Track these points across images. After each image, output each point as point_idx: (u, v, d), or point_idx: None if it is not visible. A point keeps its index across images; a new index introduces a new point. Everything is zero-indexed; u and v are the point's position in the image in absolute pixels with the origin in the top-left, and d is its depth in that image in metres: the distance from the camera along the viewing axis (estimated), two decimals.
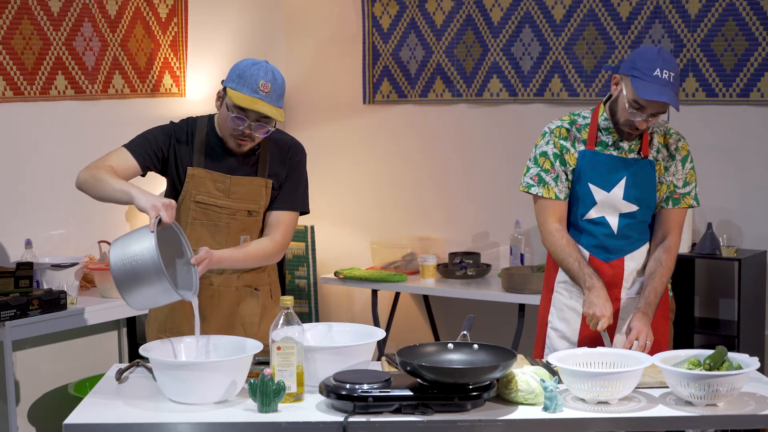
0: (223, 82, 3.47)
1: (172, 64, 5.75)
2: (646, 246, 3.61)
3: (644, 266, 3.60)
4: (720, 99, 5.24)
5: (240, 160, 3.55)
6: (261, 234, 3.62)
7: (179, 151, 3.55)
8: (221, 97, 3.47)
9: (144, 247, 3.11)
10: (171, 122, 3.62)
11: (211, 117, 3.59)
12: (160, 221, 3.15)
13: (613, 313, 3.56)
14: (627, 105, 3.39)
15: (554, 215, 3.56)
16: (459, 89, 5.97)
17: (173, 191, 3.60)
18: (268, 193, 3.57)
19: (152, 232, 3.11)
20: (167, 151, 3.54)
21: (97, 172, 3.39)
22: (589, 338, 3.54)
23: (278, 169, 3.59)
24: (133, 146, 3.52)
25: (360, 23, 6.26)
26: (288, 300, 2.99)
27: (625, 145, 3.53)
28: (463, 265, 5.70)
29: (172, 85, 5.75)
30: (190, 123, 3.60)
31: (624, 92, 3.41)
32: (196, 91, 5.88)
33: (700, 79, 5.25)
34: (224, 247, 3.54)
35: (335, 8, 6.38)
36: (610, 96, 3.53)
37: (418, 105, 6.17)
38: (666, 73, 3.34)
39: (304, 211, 3.67)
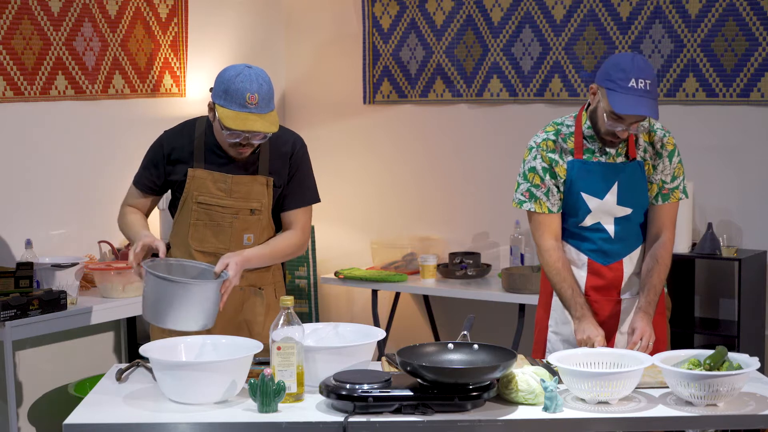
0: (211, 91, 3.47)
1: (172, 64, 5.75)
2: (642, 246, 3.61)
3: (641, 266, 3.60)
4: (720, 99, 5.23)
5: (239, 158, 3.56)
6: (264, 233, 3.63)
7: (176, 157, 3.57)
8: (212, 108, 3.48)
9: (151, 279, 3.27)
10: (165, 132, 3.65)
11: (209, 117, 3.59)
12: (155, 255, 3.38)
13: (614, 315, 3.58)
14: (605, 117, 3.38)
15: (549, 231, 3.55)
16: (459, 89, 5.97)
17: (175, 194, 3.63)
18: (270, 191, 3.58)
19: (138, 264, 3.36)
20: (163, 167, 3.59)
21: (121, 215, 3.68)
22: None
23: (279, 166, 3.59)
24: (137, 181, 3.68)
25: (360, 23, 6.26)
26: (288, 300, 2.99)
27: (611, 150, 3.50)
28: (463, 265, 5.69)
29: (172, 85, 5.75)
30: (187, 125, 3.62)
31: (601, 103, 3.39)
32: (196, 91, 5.88)
33: (700, 79, 5.25)
34: (228, 246, 3.56)
35: (335, 8, 6.38)
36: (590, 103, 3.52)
37: (418, 105, 6.16)
38: (642, 83, 3.30)
39: (317, 201, 3.70)
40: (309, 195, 3.66)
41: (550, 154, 3.52)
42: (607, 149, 3.50)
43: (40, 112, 5.11)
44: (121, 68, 5.47)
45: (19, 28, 4.96)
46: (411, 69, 6.12)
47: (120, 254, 5.27)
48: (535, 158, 3.53)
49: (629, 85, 3.30)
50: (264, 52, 6.32)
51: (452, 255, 5.82)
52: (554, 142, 3.53)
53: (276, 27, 6.46)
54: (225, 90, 3.38)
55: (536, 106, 5.76)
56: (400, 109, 6.23)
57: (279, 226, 3.70)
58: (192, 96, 5.86)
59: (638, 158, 3.52)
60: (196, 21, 5.87)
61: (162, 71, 5.69)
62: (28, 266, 4.58)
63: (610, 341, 3.55)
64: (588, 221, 3.55)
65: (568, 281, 3.51)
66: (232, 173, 3.55)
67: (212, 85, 3.47)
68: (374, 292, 5.83)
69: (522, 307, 5.34)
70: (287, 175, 3.60)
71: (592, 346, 3.39)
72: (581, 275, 3.59)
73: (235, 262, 3.39)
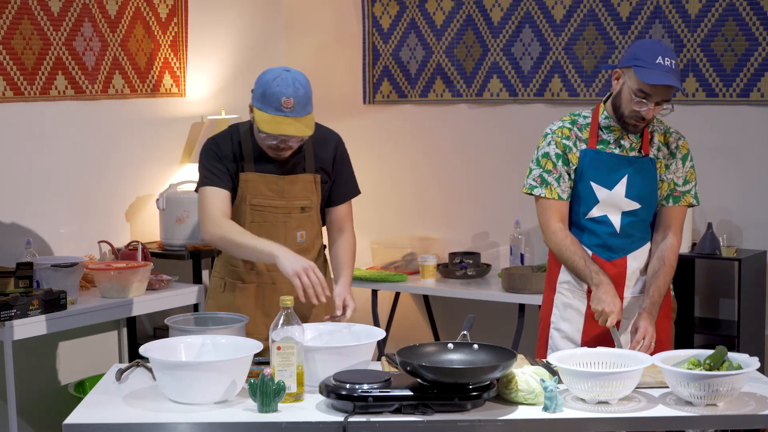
0: (252, 92, 3.52)
1: (172, 64, 5.75)
2: (648, 245, 3.62)
3: (647, 265, 3.60)
4: (720, 99, 5.23)
5: (287, 159, 3.63)
6: (314, 228, 3.75)
7: (228, 163, 3.61)
8: (252, 110, 3.54)
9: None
10: (212, 139, 3.67)
11: (251, 122, 3.64)
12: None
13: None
14: (632, 95, 3.41)
15: (556, 215, 3.56)
16: (459, 89, 5.97)
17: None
18: (318, 188, 3.69)
19: (303, 301, 3.36)
20: (225, 163, 3.62)
21: (226, 232, 3.51)
22: (593, 338, 3.54)
23: (324, 163, 3.71)
24: (214, 181, 3.59)
25: (360, 23, 6.26)
26: (288, 300, 3.00)
27: (626, 143, 3.54)
28: (463, 265, 5.69)
29: (172, 85, 5.75)
30: (231, 131, 3.67)
31: (628, 83, 3.43)
32: (196, 91, 5.88)
33: (700, 79, 5.25)
34: (283, 245, 3.62)
35: (335, 8, 6.38)
36: (611, 94, 3.54)
37: (418, 105, 6.16)
38: (668, 60, 3.38)
39: (359, 193, 3.87)
40: (352, 188, 3.83)
41: (564, 141, 3.55)
42: (622, 142, 3.52)
43: (40, 112, 5.11)
44: (121, 68, 5.47)
45: (19, 28, 4.96)
46: (411, 69, 6.12)
47: (120, 254, 5.27)
48: (549, 144, 3.56)
49: (656, 62, 3.37)
50: (264, 52, 6.32)
51: (452, 255, 5.82)
52: (570, 129, 3.57)
53: (276, 27, 6.46)
54: (262, 93, 3.46)
55: (536, 106, 5.76)
56: (400, 109, 6.23)
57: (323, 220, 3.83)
58: (192, 96, 5.87)
59: (651, 155, 3.54)
60: (196, 21, 5.87)
61: (162, 71, 5.69)
62: (28, 266, 4.58)
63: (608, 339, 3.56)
64: (595, 212, 3.56)
65: (579, 253, 3.52)
66: (282, 174, 3.63)
67: (253, 87, 3.53)
68: (374, 292, 5.83)
69: (522, 307, 5.34)
70: (333, 172, 3.72)
71: (605, 322, 3.40)
72: None
73: (348, 295, 3.59)
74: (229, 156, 3.61)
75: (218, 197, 3.58)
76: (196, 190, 3.67)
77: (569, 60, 5.60)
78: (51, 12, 5.09)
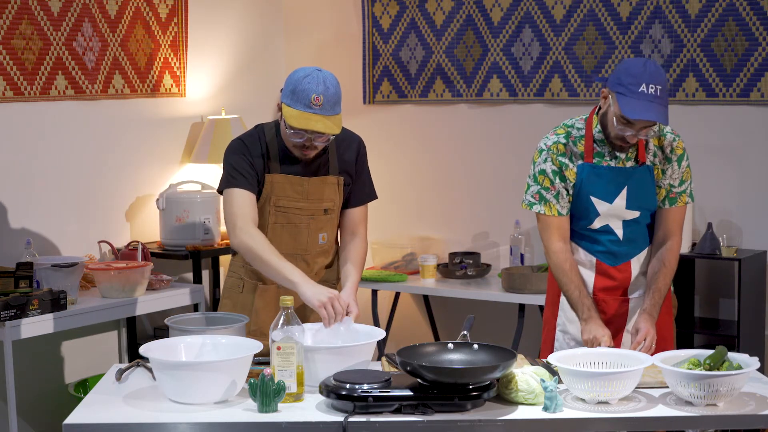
0: (281, 91, 3.53)
1: (172, 64, 5.75)
2: (650, 247, 3.62)
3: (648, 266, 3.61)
4: (720, 99, 5.23)
5: (312, 160, 3.63)
6: (334, 230, 3.74)
7: (256, 163, 3.61)
8: (281, 108, 3.54)
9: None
10: (239, 140, 3.66)
11: (276, 123, 3.65)
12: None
13: (622, 314, 3.60)
14: (615, 121, 3.38)
15: (557, 233, 3.55)
16: (459, 89, 5.97)
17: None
18: (341, 190, 3.69)
19: (327, 328, 3.33)
20: (253, 164, 3.61)
21: (256, 244, 3.48)
22: None
23: (347, 165, 3.71)
24: (241, 183, 3.56)
25: (360, 23, 6.26)
26: (288, 300, 3.00)
27: (621, 154, 3.51)
28: (463, 265, 5.69)
29: (172, 85, 5.75)
30: (259, 133, 3.66)
31: (612, 108, 3.39)
32: (196, 91, 5.88)
33: (700, 79, 5.25)
34: (306, 247, 3.68)
35: (335, 8, 6.38)
36: (600, 107, 3.52)
37: (418, 105, 6.16)
38: (652, 88, 3.29)
39: (376, 197, 3.82)
40: (369, 192, 3.79)
41: (560, 158, 3.52)
42: (617, 153, 3.50)
43: (40, 112, 5.11)
44: (121, 68, 5.47)
45: (19, 28, 4.96)
46: (411, 69, 6.12)
47: (120, 254, 5.27)
48: (545, 161, 3.54)
49: (639, 90, 3.29)
50: (264, 52, 6.32)
51: (452, 255, 5.81)
52: (564, 145, 3.53)
53: (276, 27, 6.46)
54: (292, 90, 3.47)
55: (536, 106, 5.76)
56: (400, 109, 6.23)
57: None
58: (192, 96, 5.86)
59: (648, 162, 3.53)
60: (196, 21, 5.87)
61: (162, 71, 5.69)
62: (28, 266, 4.58)
63: (617, 339, 3.57)
64: (597, 224, 3.56)
65: (575, 282, 3.52)
66: (306, 176, 3.63)
67: (282, 86, 3.54)
68: (374, 292, 5.83)
69: (522, 307, 5.34)
70: (355, 174, 3.72)
71: (599, 345, 3.40)
72: (590, 276, 3.60)
73: (353, 301, 3.49)
74: (258, 156, 3.59)
75: (246, 201, 3.56)
76: (220, 191, 3.64)
77: (569, 60, 5.60)
78: (51, 12, 5.09)
